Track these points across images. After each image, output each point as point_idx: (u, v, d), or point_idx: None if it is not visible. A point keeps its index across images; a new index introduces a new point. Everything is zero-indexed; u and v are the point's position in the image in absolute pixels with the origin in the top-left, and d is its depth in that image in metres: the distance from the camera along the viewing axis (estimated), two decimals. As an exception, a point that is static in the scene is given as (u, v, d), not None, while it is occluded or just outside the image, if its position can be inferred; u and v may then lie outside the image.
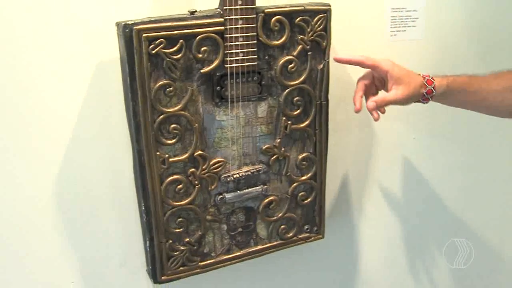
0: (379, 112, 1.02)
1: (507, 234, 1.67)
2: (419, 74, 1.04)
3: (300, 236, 1.19)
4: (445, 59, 1.31)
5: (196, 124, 0.99)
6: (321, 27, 1.03)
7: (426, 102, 1.06)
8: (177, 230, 1.04)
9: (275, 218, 1.14)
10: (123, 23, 0.90)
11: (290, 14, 1.00)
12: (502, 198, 1.61)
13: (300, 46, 1.03)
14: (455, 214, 1.55)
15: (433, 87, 1.02)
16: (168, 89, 0.95)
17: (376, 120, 1.02)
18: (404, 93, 1.00)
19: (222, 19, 0.94)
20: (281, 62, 1.03)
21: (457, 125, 1.44)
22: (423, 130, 1.39)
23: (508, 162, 1.57)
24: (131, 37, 0.89)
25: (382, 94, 1.04)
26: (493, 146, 1.53)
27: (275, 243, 1.16)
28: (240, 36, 0.96)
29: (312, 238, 1.21)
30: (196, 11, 0.95)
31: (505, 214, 1.64)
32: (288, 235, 1.17)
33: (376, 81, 1.06)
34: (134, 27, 0.89)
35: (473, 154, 1.51)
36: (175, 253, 1.06)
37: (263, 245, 1.15)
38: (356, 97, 1.04)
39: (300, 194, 1.15)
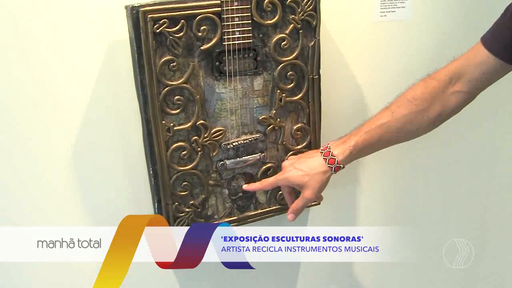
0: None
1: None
2: (319, 153, 1.09)
3: (297, 202, 1.29)
4: (433, 39, 1.39)
5: (198, 96, 1.10)
6: (310, 7, 1.13)
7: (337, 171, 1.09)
8: (183, 193, 1.15)
9: (273, 184, 1.24)
10: (130, 6, 1.01)
11: (282, -4, 1.10)
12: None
13: (292, 25, 1.13)
14: (450, 184, 1.62)
15: (337, 164, 1.07)
16: (171, 64, 1.06)
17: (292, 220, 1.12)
18: (311, 193, 1.08)
19: (219, 1, 1.05)
20: (274, 40, 1.13)
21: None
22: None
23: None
24: (138, 18, 1.01)
25: (294, 204, 1.13)
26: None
27: (273, 207, 1.27)
28: (236, 16, 1.06)
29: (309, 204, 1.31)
30: (196, -6, 1.06)
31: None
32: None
33: None
34: (140, 9, 1.00)
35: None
36: (181, 215, 1.17)
37: (262, 209, 1.26)
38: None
39: (295, 162, 1.25)
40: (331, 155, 1.07)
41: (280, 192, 1.25)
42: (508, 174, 1.66)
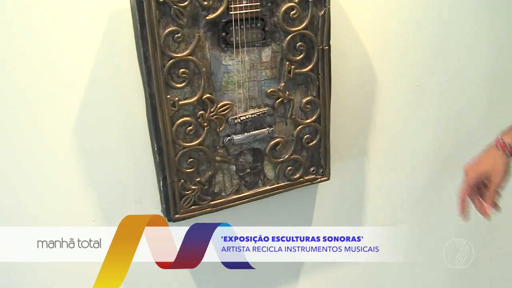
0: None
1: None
2: (493, 146, 1.09)
3: (306, 178, 1.25)
4: (443, 6, 1.34)
5: (204, 69, 1.05)
6: (321, -26, 1.08)
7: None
8: (188, 170, 1.11)
9: (281, 159, 1.20)
10: (132, -27, 0.96)
11: (291, -38, 1.05)
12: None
13: (301, -7, 1.08)
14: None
15: (508, 147, 1.08)
16: (176, 35, 1.01)
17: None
18: (499, 177, 1.08)
19: (225, -32, 0.99)
20: (283, 9, 1.07)
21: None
22: (426, 77, 1.42)
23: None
24: (140, -14, 0.95)
25: (487, 196, 1.10)
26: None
27: (282, 183, 1.23)
28: (243, -16, 1.01)
29: (318, 180, 1.27)
30: (200, -40, 1.00)
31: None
32: (295, 176, 1.23)
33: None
34: (142, -24, 0.95)
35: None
36: (187, 192, 1.13)
37: (271, 185, 1.22)
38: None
39: (305, 136, 1.20)
40: (501, 141, 1.09)
41: (289, 168, 1.21)
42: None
